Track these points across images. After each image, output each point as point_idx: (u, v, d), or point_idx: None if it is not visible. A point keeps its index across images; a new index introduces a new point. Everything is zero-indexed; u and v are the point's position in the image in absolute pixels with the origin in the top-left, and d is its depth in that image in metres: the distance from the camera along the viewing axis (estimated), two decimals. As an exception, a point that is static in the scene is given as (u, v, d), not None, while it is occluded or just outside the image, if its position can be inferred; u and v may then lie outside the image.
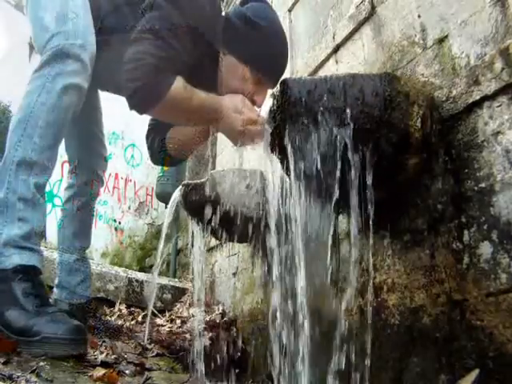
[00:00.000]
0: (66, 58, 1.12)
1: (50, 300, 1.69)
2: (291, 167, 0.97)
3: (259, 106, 1.25)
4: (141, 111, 1.12)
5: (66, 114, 1.16)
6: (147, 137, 1.49)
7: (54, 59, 1.13)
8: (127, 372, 1.22)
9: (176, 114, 1.17)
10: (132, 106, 1.10)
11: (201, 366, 1.49)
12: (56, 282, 1.71)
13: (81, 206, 1.67)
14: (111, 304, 2.44)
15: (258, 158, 1.13)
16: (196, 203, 1.58)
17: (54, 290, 1.71)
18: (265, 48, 1.21)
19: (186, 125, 1.31)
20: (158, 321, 2.30)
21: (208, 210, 1.52)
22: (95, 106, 1.69)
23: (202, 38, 1.16)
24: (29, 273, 1.12)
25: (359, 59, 1.58)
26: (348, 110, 0.91)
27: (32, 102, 1.11)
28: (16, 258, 1.10)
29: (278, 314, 1.00)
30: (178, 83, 1.09)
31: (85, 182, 1.66)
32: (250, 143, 1.19)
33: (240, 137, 1.18)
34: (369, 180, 0.94)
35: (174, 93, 1.08)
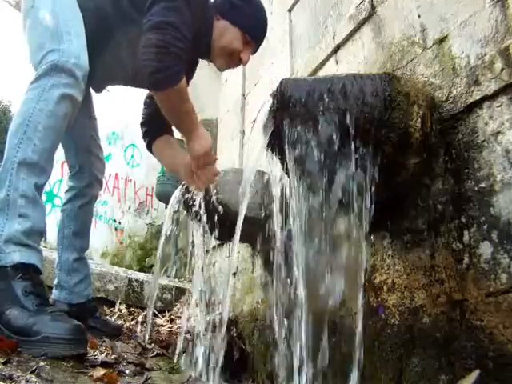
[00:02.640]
0: (61, 71, 1.19)
1: (50, 300, 1.71)
2: (291, 167, 0.97)
3: (245, 63, 1.50)
4: (159, 88, 1.23)
5: (62, 122, 1.22)
6: (141, 126, 1.69)
7: (50, 72, 1.19)
8: (127, 372, 1.22)
9: (173, 106, 1.31)
10: (153, 83, 1.22)
11: (201, 366, 1.49)
12: (55, 282, 1.71)
13: (82, 207, 1.70)
14: (111, 304, 2.44)
15: (258, 158, 1.14)
16: (196, 203, 1.58)
17: (53, 290, 1.71)
18: (252, 15, 1.47)
19: (172, 122, 1.44)
20: (158, 321, 2.30)
21: (208, 211, 1.52)
22: (90, 114, 1.74)
23: (200, 19, 1.36)
24: (29, 271, 1.13)
25: (359, 59, 1.58)
26: (348, 111, 0.91)
27: (31, 109, 1.16)
28: (16, 256, 1.11)
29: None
30: (184, 81, 1.25)
31: (86, 184, 1.70)
32: (194, 183, 1.45)
33: (190, 172, 1.42)
34: (369, 180, 0.94)
35: (182, 85, 1.25)
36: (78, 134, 1.65)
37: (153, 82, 1.22)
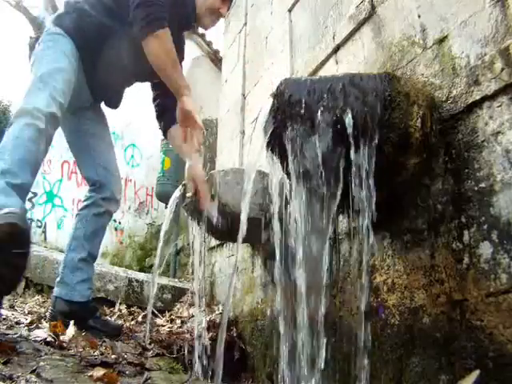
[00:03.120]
0: (26, 112, 1.43)
1: (50, 298, 1.74)
2: (291, 167, 0.97)
3: (224, 16, 1.88)
4: (151, 30, 1.50)
5: (29, 143, 1.39)
6: (156, 119, 1.95)
7: (17, 114, 1.43)
8: (127, 372, 1.22)
9: (165, 50, 1.54)
10: (145, 28, 1.50)
11: (201, 366, 1.49)
12: (58, 279, 1.72)
13: (96, 215, 1.78)
14: (111, 304, 2.44)
15: (258, 158, 1.14)
16: (196, 203, 1.58)
17: (55, 288, 1.71)
18: None
19: (165, 73, 1.62)
20: (158, 321, 2.30)
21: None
22: (105, 137, 1.92)
23: None
24: None
25: (359, 59, 1.58)
26: (348, 111, 0.91)
27: (3, 142, 1.38)
28: None
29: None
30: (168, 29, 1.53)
31: (103, 197, 1.80)
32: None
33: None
34: (369, 180, 0.94)
35: (167, 31, 1.52)
36: (96, 154, 1.84)
37: (145, 27, 1.49)
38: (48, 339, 1.32)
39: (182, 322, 2.25)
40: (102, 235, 1.84)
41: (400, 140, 0.95)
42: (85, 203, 1.82)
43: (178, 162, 4.32)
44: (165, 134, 1.92)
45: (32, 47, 1.75)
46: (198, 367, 1.50)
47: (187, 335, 1.92)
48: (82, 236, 1.75)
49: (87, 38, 1.62)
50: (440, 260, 1.04)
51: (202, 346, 1.57)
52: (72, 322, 1.54)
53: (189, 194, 1.62)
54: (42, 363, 0.98)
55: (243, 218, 1.04)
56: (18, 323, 1.59)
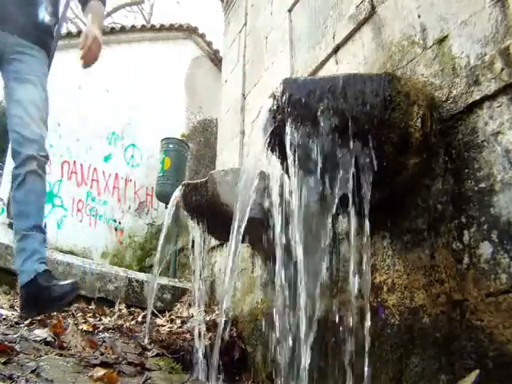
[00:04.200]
0: None
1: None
2: (291, 167, 0.97)
3: None
4: None
5: None
6: None
7: None
8: (127, 372, 1.22)
9: None
10: None
11: (201, 366, 1.49)
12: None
13: (18, 188, 1.70)
14: (111, 304, 2.44)
15: (258, 158, 1.14)
16: (196, 203, 1.59)
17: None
18: None
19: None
20: (158, 321, 2.30)
21: (208, 211, 1.52)
22: (15, 98, 1.77)
23: None
24: None
25: (359, 59, 1.58)
26: (348, 110, 0.91)
27: None
28: None
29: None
30: None
31: (16, 165, 1.71)
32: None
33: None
34: (369, 180, 0.94)
35: None
36: (10, 118, 1.75)
37: None
38: (48, 339, 1.32)
39: (182, 322, 2.25)
40: (34, 198, 1.72)
41: (400, 140, 0.95)
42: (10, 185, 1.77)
43: (178, 162, 4.32)
44: (82, 8, 2.07)
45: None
46: (197, 367, 1.50)
47: (187, 335, 1.92)
48: (14, 218, 1.71)
49: None
50: (440, 260, 1.03)
51: (203, 345, 1.57)
52: (72, 322, 1.54)
53: None
54: (41, 363, 0.98)
55: (242, 219, 1.04)
56: (17, 323, 1.59)
